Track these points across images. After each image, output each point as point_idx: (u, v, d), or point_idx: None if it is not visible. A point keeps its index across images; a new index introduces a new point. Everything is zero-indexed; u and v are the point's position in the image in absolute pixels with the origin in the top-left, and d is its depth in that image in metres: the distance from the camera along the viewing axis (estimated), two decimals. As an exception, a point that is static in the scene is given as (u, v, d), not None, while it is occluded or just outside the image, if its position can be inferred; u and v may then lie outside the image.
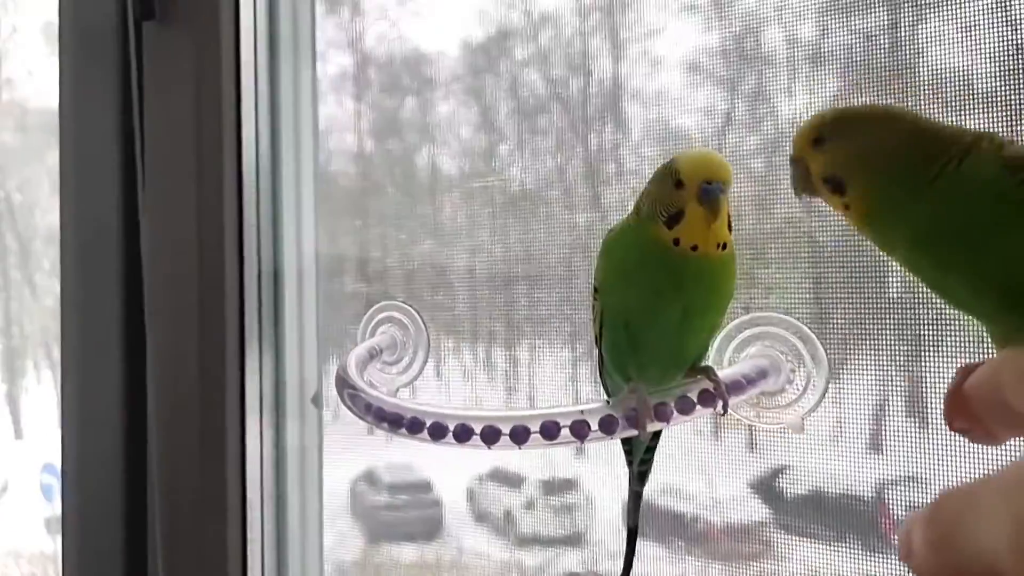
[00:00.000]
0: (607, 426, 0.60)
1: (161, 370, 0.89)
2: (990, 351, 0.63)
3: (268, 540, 0.90)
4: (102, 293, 0.93)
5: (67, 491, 0.93)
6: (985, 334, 0.47)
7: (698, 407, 0.61)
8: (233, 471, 0.87)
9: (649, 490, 0.80)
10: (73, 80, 0.95)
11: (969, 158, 0.43)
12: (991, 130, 0.61)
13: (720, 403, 0.61)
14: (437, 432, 0.63)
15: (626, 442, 0.69)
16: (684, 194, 0.58)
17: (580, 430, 0.60)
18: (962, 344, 0.64)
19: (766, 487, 0.75)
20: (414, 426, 0.64)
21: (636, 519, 0.70)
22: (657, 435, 0.68)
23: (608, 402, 0.62)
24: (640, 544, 0.79)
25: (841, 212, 0.47)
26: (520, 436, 0.60)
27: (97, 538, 0.92)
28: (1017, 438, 0.33)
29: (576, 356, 0.86)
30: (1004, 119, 0.62)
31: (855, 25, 0.69)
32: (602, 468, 0.83)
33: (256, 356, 0.89)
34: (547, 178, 0.85)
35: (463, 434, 0.61)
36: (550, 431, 0.60)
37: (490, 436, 0.61)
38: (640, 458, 0.69)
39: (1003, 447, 0.62)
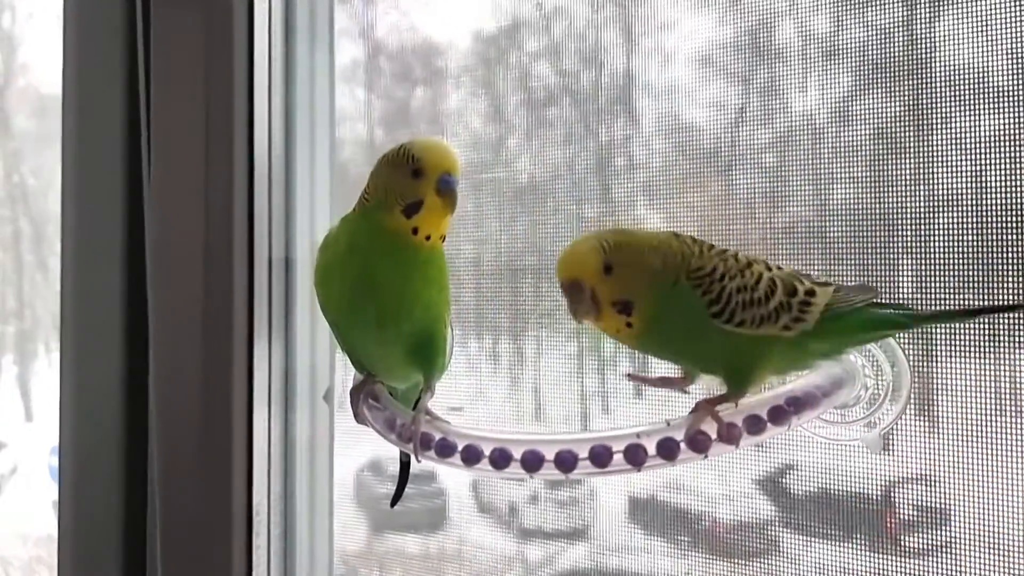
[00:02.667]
0: (667, 451, 0.56)
1: (165, 359, 0.88)
2: (1001, 351, 0.63)
3: (275, 532, 0.89)
4: (103, 279, 0.92)
5: (64, 479, 0.92)
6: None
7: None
8: (239, 462, 0.86)
9: (655, 485, 0.80)
10: (77, 61, 0.93)
11: (684, 270, 0.54)
12: (1002, 131, 0.61)
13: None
14: (471, 457, 0.58)
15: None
16: (423, 184, 0.59)
17: (636, 455, 0.55)
18: (972, 345, 0.64)
19: (773, 485, 0.75)
20: (444, 449, 0.59)
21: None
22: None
23: (668, 423, 0.57)
24: (646, 539, 0.80)
25: (615, 332, 0.54)
26: (567, 462, 0.56)
27: (95, 528, 0.91)
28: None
29: (581, 348, 0.85)
30: (1021, 116, 0.61)
31: (870, 20, 0.68)
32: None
33: (265, 345, 0.88)
34: (556, 170, 0.85)
35: (501, 460, 0.57)
36: (601, 457, 0.56)
37: (532, 463, 0.56)
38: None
39: (1016, 446, 0.62)
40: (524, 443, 0.57)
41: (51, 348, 1.52)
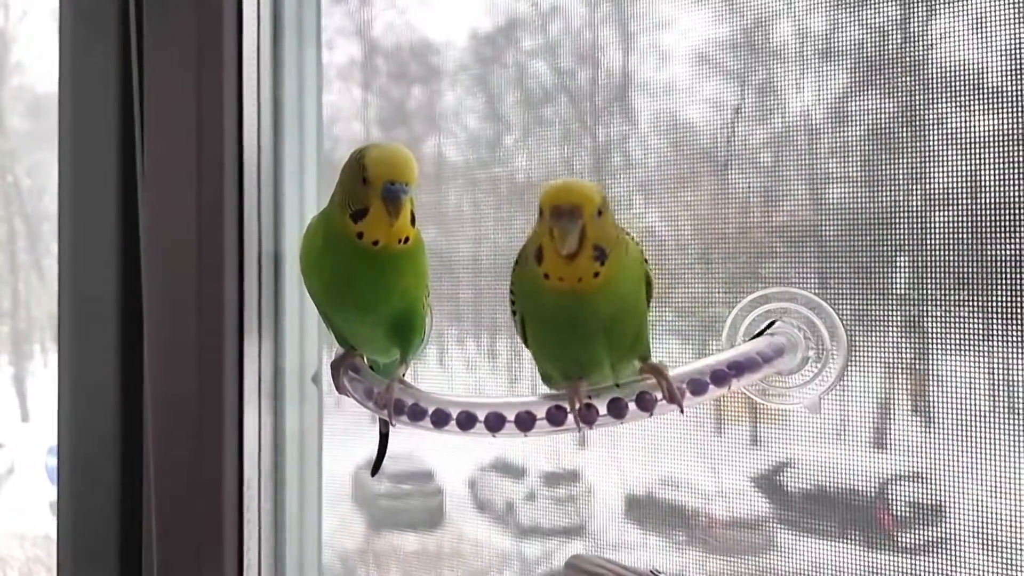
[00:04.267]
0: (617, 410, 0.60)
1: (158, 354, 0.88)
2: (997, 349, 0.63)
3: (266, 525, 0.90)
4: (99, 276, 0.93)
5: (63, 475, 0.93)
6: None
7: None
8: (230, 457, 0.86)
9: (650, 481, 0.80)
10: (72, 61, 0.94)
11: (631, 245, 0.57)
12: (998, 129, 0.61)
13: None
14: (440, 420, 0.63)
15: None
16: (369, 192, 0.60)
17: (588, 415, 0.60)
18: (968, 342, 0.64)
19: (768, 482, 0.75)
20: (416, 414, 0.64)
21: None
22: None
23: (616, 385, 0.62)
24: (641, 535, 0.80)
25: (575, 281, 0.54)
26: (526, 423, 0.61)
27: (92, 524, 0.92)
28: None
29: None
30: (1016, 115, 0.62)
31: (866, 19, 0.68)
32: (604, 460, 0.83)
33: (255, 340, 0.89)
34: (553, 168, 0.85)
35: (467, 422, 0.62)
36: (556, 418, 0.60)
37: (495, 423, 0.61)
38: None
39: (1010, 443, 0.62)
40: (488, 406, 0.62)
41: (47, 348, 1.52)
